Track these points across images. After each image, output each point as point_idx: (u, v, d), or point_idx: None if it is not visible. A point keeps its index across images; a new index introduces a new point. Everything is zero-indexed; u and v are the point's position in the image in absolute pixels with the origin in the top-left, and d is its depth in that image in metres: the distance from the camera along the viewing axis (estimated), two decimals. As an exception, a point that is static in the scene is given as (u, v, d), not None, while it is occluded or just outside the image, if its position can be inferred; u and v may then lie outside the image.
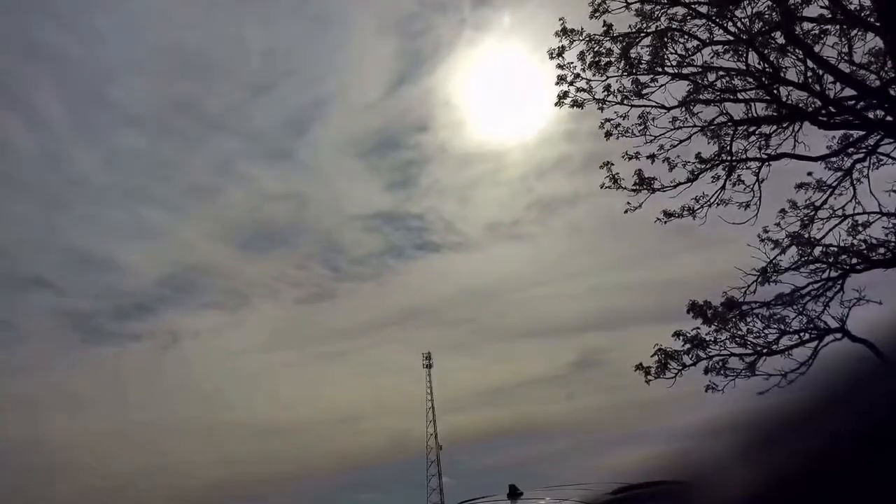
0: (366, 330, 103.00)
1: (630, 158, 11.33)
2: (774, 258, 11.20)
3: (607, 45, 10.94)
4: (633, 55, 10.82)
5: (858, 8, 9.87)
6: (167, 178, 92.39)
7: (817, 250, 11.17)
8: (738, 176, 11.23)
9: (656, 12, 10.64)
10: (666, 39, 10.65)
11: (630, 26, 10.82)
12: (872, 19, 9.74)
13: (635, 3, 10.65)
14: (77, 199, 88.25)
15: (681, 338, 10.77)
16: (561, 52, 11.21)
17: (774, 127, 10.85)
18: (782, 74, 10.25)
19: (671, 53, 10.73)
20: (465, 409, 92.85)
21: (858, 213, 10.98)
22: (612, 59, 10.96)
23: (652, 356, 10.78)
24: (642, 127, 11.21)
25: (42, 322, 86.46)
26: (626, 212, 11.35)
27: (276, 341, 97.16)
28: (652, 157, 11.21)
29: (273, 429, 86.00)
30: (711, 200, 11.29)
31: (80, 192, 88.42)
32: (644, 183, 11.26)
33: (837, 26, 10.03)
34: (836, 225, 11.05)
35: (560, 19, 11.13)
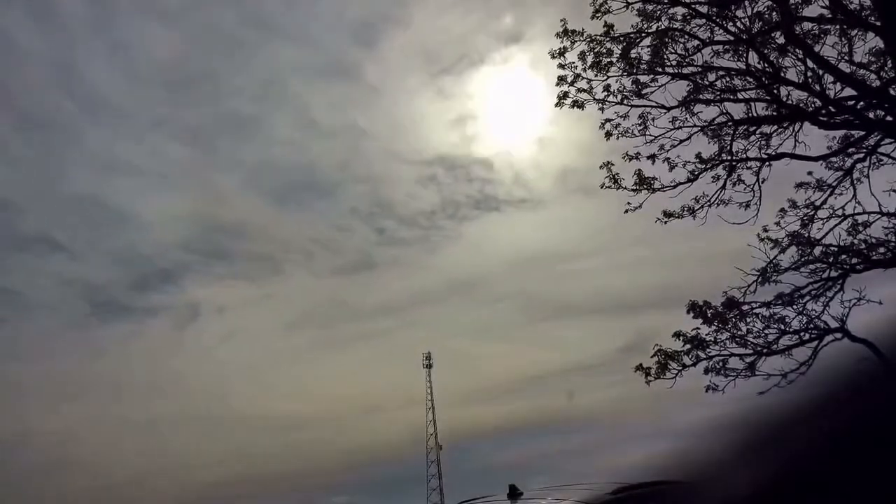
0: (403, 307, 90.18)
1: (630, 159, 11.34)
2: (774, 258, 11.20)
3: (608, 45, 10.94)
4: (633, 55, 10.83)
5: (858, 8, 9.87)
6: (201, 101, 76.27)
7: (817, 250, 11.16)
8: (739, 176, 11.24)
9: (657, 12, 10.64)
10: (667, 39, 10.65)
11: (631, 26, 10.83)
12: (872, 19, 9.74)
13: (636, 2, 10.66)
14: (92, 130, 72.87)
15: (680, 338, 10.76)
16: (563, 52, 11.22)
17: (775, 127, 10.84)
18: (782, 74, 10.25)
19: (671, 53, 10.74)
20: (492, 401, 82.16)
21: (858, 213, 10.97)
22: (613, 60, 10.97)
23: (652, 356, 10.78)
24: (642, 127, 11.22)
25: (50, 292, 75.15)
26: (626, 212, 11.37)
27: (304, 319, 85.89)
28: (652, 157, 11.21)
29: (281, 423, 79.48)
30: (712, 200, 11.29)
31: (95, 120, 73.01)
32: (644, 183, 11.27)
33: (837, 26, 10.03)
34: (836, 225, 11.04)
35: (561, 20, 11.14)
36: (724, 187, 11.22)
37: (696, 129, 11.04)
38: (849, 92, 10.10)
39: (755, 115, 10.67)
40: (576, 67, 11.19)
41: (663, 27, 10.66)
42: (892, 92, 10.06)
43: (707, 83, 10.76)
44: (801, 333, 10.66)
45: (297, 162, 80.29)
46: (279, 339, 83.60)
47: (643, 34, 10.79)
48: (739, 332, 10.76)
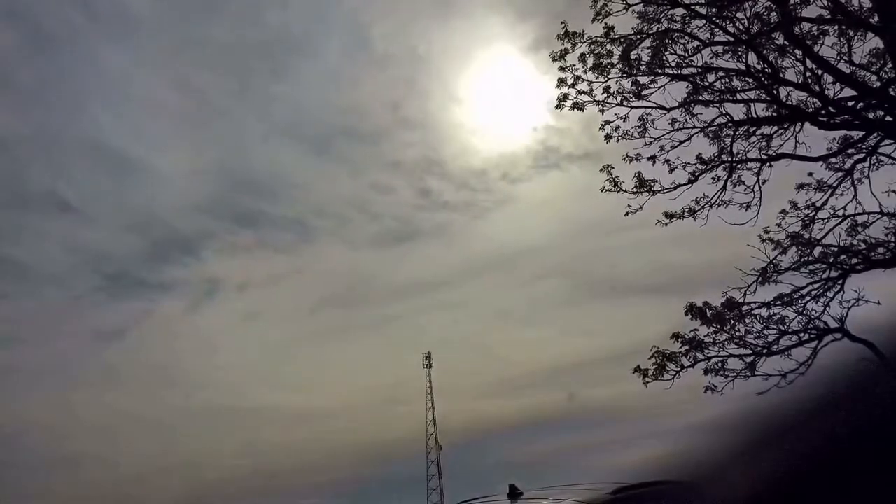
0: (438, 285, 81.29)
1: (631, 160, 11.35)
2: (774, 258, 11.20)
3: (609, 47, 10.96)
4: (633, 57, 10.84)
5: (858, 8, 9.87)
6: (237, 17, 63.23)
7: (817, 250, 11.17)
8: (739, 177, 11.24)
9: (657, 14, 10.65)
10: (666, 40, 10.66)
11: (631, 28, 10.84)
12: (872, 20, 9.74)
13: (636, 4, 10.67)
14: (107, 53, 60.53)
15: (679, 339, 10.77)
16: (563, 54, 11.23)
17: (775, 127, 10.84)
18: (782, 75, 10.26)
19: (671, 54, 10.74)
20: (514, 393, 74.79)
21: (859, 214, 10.98)
22: (614, 61, 10.97)
23: (649, 358, 10.78)
24: (642, 129, 11.22)
25: (56, 262, 66.53)
26: (626, 214, 11.38)
27: (331, 298, 76.71)
28: (652, 158, 11.22)
29: (285, 417, 73.25)
30: (712, 201, 11.29)
31: (111, 40, 60.88)
32: (644, 185, 11.27)
33: (837, 27, 10.03)
34: (837, 225, 11.05)
35: (562, 23, 11.16)
36: (724, 188, 11.23)
37: (696, 131, 11.05)
38: (849, 92, 10.10)
39: (755, 115, 10.68)
40: (576, 70, 11.21)
41: (663, 28, 10.66)
42: (891, 92, 10.06)
43: (707, 84, 10.76)
44: (801, 334, 10.66)
45: (342, 100, 69.40)
46: (301, 321, 75.68)
47: (643, 36, 10.80)
48: (738, 333, 10.77)
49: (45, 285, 67.25)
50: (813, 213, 11.22)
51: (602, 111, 11.30)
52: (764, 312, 10.87)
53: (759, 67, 10.32)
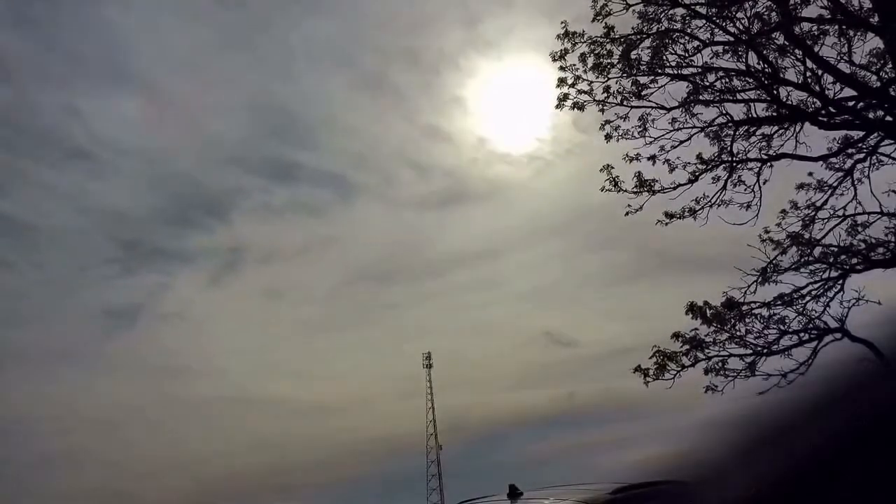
0: (481, 256, 71.75)
1: (631, 160, 11.35)
2: (775, 258, 11.20)
3: (609, 46, 10.97)
4: (633, 56, 10.85)
5: (858, 8, 9.89)
6: None
7: (817, 250, 11.17)
8: (739, 177, 11.25)
9: (657, 14, 10.66)
10: (667, 40, 10.67)
11: (632, 28, 10.85)
12: (872, 20, 9.75)
13: (637, 4, 10.68)
14: None
15: (679, 339, 10.77)
16: (563, 54, 11.24)
17: (775, 127, 10.85)
18: (782, 75, 10.27)
19: (671, 54, 10.76)
20: (524, 387, 72.09)
21: (859, 214, 10.99)
22: (614, 61, 10.98)
23: (650, 357, 10.78)
24: (642, 129, 11.23)
25: (66, 223, 57.41)
26: (626, 214, 11.39)
27: (364, 271, 67.22)
28: (652, 158, 11.23)
29: (295, 409, 69.26)
30: (712, 201, 11.30)
31: None
32: (644, 185, 11.27)
33: (837, 27, 10.04)
34: (837, 225, 11.05)
35: (562, 22, 11.17)
36: (724, 188, 11.23)
37: (696, 130, 11.06)
38: (849, 92, 10.12)
39: (755, 115, 10.68)
40: (577, 69, 11.22)
41: (663, 28, 10.67)
42: (891, 92, 10.07)
43: (707, 84, 10.77)
44: (801, 334, 10.66)
45: (408, 13, 57.43)
46: (326, 300, 68.40)
47: (643, 36, 10.81)
48: (739, 333, 10.77)
49: (53, 254, 59.79)
50: (813, 213, 11.24)
51: (602, 111, 11.33)
52: (764, 312, 10.88)
53: (759, 67, 10.33)
